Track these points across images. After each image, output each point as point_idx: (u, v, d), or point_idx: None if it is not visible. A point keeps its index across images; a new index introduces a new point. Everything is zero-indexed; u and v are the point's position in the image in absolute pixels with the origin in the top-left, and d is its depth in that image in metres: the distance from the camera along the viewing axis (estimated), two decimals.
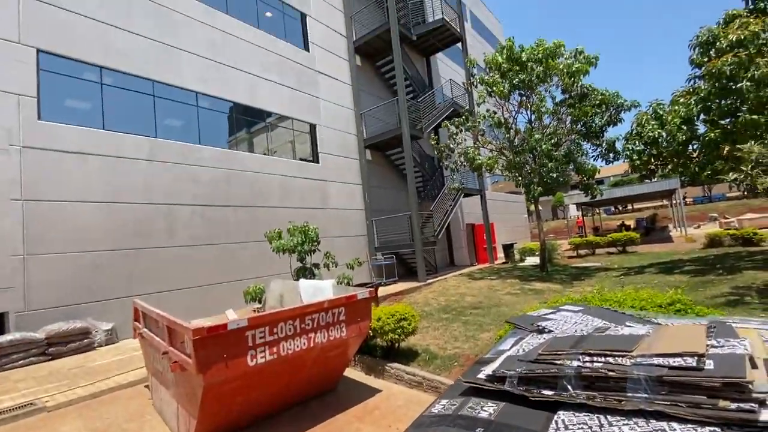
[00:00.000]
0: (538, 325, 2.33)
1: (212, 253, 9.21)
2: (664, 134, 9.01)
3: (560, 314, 2.56)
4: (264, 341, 3.62)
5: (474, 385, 1.69)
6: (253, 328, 3.52)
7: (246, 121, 10.86)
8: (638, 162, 9.56)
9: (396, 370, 5.27)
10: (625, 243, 16.73)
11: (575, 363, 1.47)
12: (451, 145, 12.27)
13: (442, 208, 14.91)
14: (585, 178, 10.87)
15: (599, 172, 11.21)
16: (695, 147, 9.31)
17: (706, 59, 8.71)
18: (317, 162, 12.48)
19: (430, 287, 11.28)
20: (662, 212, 33.66)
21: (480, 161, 11.21)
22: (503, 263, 16.92)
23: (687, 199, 41.55)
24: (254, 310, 6.22)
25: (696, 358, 1.26)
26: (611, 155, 10.57)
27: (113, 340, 7.15)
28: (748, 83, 7.63)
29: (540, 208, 11.99)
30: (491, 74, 10.99)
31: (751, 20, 8.46)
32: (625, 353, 1.38)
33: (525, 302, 7.87)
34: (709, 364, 1.25)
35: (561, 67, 9.72)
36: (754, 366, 1.30)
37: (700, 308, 3.19)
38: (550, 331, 2.21)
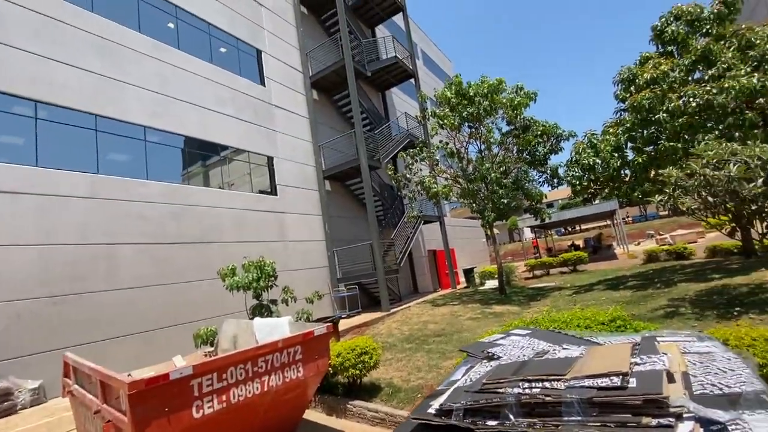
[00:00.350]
0: (488, 352, 2.37)
1: (160, 295, 8.61)
2: (599, 161, 9.86)
3: (510, 339, 2.62)
4: (212, 389, 3.37)
5: (423, 422, 1.67)
6: (199, 376, 3.28)
7: (200, 155, 10.57)
8: (579, 187, 10.33)
9: (358, 408, 5.09)
10: (576, 262, 17.65)
11: (516, 390, 1.50)
12: (408, 175, 12.61)
13: (403, 236, 15.08)
14: (534, 203, 11.53)
15: (546, 197, 11.94)
16: (626, 172, 10.23)
17: (628, 94, 9.77)
18: (275, 194, 12.29)
19: (393, 317, 11.17)
20: (606, 231, 36.10)
21: (436, 190, 11.57)
22: (465, 287, 17.19)
23: (628, 219, 44.98)
24: (205, 354, 5.81)
25: (621, 377, 1.34)
26: (555, 181, 11.37)
27: (40, 400, 6.35)
28: (664, 115, 8.63)
29: (497, 232, 12.47)
30: (442, 108, 11.59)
31: (662, 61, 9.68)
32: (559, 377, 1.44)
33: (485, 326, 7.98)
34: (633, 382, 1.32)
35: (504, 101, 10.50)
36: (672, 380, 1.39)
37: (638, 323, 3.40)
38: (499, 357, 2.25)
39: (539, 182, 11.72)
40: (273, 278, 7.05)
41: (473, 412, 1.56)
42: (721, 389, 1.43)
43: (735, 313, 5.75)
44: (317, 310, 10.72)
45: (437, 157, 12.87)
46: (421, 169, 12.96)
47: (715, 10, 9.40)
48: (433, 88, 14.19)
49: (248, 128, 11.81)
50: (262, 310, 6.95)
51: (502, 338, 2.72)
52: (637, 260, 16.56)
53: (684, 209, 6.22)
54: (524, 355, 2.06)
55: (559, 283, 13.39)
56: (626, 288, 9.70)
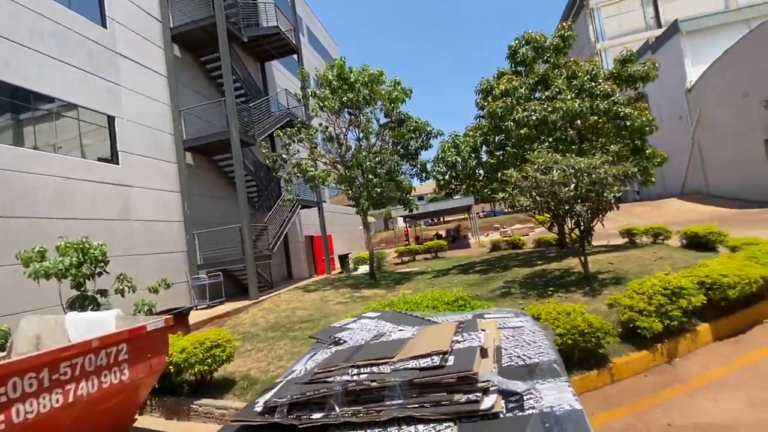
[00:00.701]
0: (335, 337, 2.29)
1: None
2: (460, 160, 10.98)
3: (360, 322, 2.60)
4: None
5: (244, 423, 1.46)
6: None
7: (8, 105, 8.02)
8: (442, 182, 11.38)
9: (205, 407, 4.58)
10: (437, 250, 19.61)
11: (345, 378, 1.42)
12: (285, 156, 11.97)
13: (278, 220, 14.32)
14: (404, 194, 12.24)
15: (415, 189, 12.82)
16: (481, 171, 11.67)
17: (486, 103, 11.09)
18: (116, 163, 10.21)
19: (260, 305, 10.56)
20: (464, 224, 41.14)
21: (313, 173, 11.27)
22: (339, 273, 17.41)
23: (482, 213, 52.08)
24: None
25: (441, 356, 1.37)
26: (423, 175, 12.29)
27: None
28: (512, 124, 10.04)
29: (374, 220, 12.87)
30: (323, 89, 11.29)
31: (514, 78, 11.23)
32: (387, 360, 1.41)
33: (353, 310, 8.13)
34: (451, 361, 1.37)
35: (383, 93, 10.78)
36: (485, 355, 1.50)
37: (476, 302, 3.83)
38: (344, 342, 2.18)
39: (410, 175, 12.48)
40: (102, 264, 5.82)
41: (300, 406, 1.42)
42: (524, 361, 1.60)
43: (549, 293, 7.06)
44: (171, 301, 9.42)
45: (317, 141, 12.52)
46: (299, 151, 12.44)
47: (555, 42, 11.30)
48: (314, 68, 13.71)
49: (80, 77, 9.48)
50: (85, 302, 5.68)
51: (353, 322, 2.69)
52: (485, 249, 19.25)
53: (519, 206, 7.34)
54: (367, 339, 2.03)
55: (422, 268, 14.61)
56: (474, 272, 11.12)
